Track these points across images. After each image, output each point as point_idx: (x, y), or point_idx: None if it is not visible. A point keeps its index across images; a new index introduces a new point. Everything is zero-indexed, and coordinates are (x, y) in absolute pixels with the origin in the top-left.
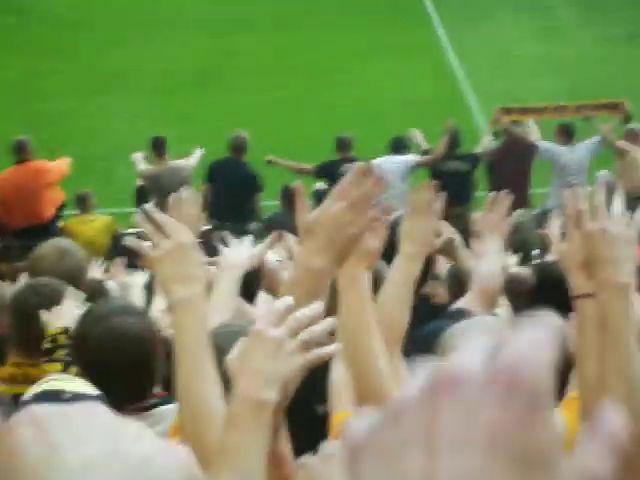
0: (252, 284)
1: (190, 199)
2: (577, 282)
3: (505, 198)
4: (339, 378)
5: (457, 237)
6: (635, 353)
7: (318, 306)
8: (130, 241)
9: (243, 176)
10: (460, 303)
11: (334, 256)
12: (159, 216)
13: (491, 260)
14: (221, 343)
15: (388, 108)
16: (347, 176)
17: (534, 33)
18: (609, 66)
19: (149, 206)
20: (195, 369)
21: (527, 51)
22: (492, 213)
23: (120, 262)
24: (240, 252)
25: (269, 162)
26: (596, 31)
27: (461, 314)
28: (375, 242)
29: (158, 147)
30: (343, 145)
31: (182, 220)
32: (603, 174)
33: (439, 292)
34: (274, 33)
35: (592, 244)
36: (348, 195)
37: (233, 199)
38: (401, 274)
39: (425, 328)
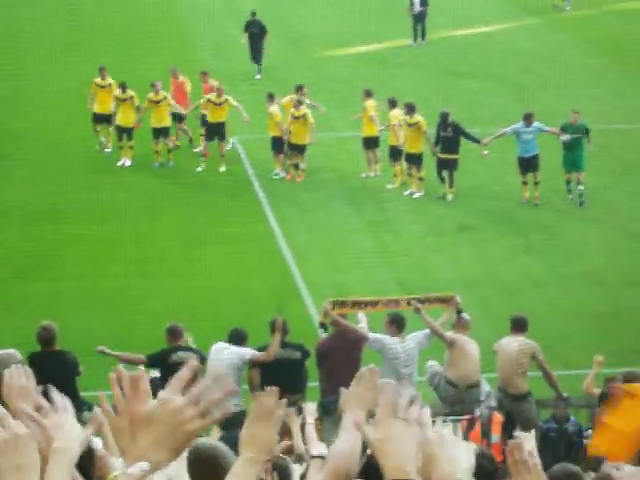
0: (87, 472)
1: (23, 373)
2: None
3: (372, 372)
4: None
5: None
6: None
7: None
8: None
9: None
10: None
11: (173, 449)
12: None
13: (350, 438)
14: None
15: (221, 298)
16: (184, 371)
17: (365, 225)
18: (439, 257)
19: None
20: None
21: (357, 243)
22: (358, 387)
23: None
24: (71, 431)
25: (101, 352)
26: (425, 224)
27: None
28: None
29: None
30: (174, 333)
31: (17, 395)
32: (432, 364)
33: None
34: (101, 225)
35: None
36: (187, 390)
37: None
38: (238, 478)
39: None
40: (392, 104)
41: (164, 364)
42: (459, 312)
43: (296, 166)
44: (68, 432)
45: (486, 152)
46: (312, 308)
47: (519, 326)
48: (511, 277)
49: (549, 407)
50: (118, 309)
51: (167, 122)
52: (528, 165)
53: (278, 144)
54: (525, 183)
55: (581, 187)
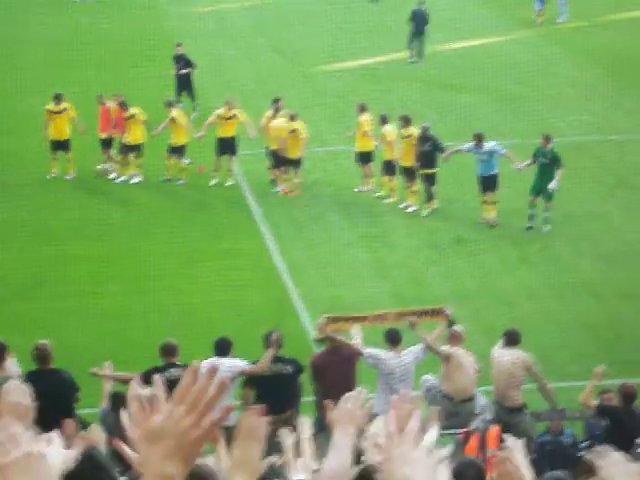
0: None
1: (20, 389)
2: None
3: (361, 391)
4: None
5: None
6: None
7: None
8: None
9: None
10: None
11: (183, 461)
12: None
13: (340, 455)
14: None
15: (217, 314)
16: (183, 380)
17: (360, 239)
18: (434, 270)
19: None
20: None
21: (353, 257)
22: (347, 404)
23: None
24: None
25: (93, 374)
26: (420, 237)
27: None
28: None
29: None
30: (169, 350)
31: (12, 411)
32: (427, 378)
33: None
34: (98, 242)
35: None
36: (186, 398)
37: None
38: None
39: None
40: (384, 120)
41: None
42: (451, 324)
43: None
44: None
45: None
46: (308, 323)
47: (513, 339)
48: (506, 288)
49: (545, 419)
50: (116, 326)
51: (142, 139)
52: (486, 184)
53: (278, 157)
54: (485, 202)
55: (547, 213)
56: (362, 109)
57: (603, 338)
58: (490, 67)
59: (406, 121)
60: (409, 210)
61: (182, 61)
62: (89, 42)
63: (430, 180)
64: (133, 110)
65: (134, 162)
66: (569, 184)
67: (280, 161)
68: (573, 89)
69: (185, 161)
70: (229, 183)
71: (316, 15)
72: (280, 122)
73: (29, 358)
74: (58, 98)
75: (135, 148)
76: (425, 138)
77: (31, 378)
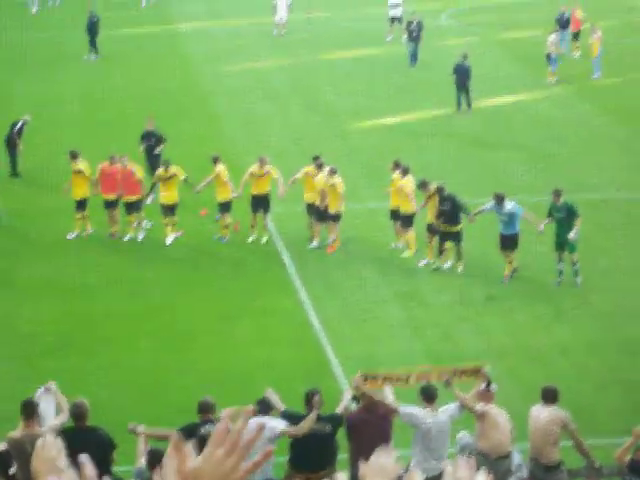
0: None
1: (54, 444)
2: None
3: (390, 448)
4: None
5: None
6: None
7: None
8: None
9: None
10: None
11: None
12: None
13: None
14: None
15: (252, 370)
16: (219, 425)
17: (394, 296)
18: (467, 327)
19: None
20: None
21: (387, 314)
22: (379, 458)
23: None
24: None
25: (131, 431)
26: (454, 295)
27: None
28: None
29: (28, 412)
30: (206, 407)
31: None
32: (462, 436)
33: None
34: (130, 299)
35: None
36: (224, 443)
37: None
38: None
39: None
40: (405, 171)
41: (195, 436)
42: (489, 383)
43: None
44: None
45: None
46: (342, 379)
47: (550, 397)
48: (540, 345)
49: (581, 477)
50: (150, 384)
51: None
52: (506, 243)
53: (316, 212)
54: (506, 259)
55: (575, 266)
56: (397, 166)
57: (639, 395)
58: (524, 124)
59: (423, 185)
60: (443, 267)
61: (153, 138)
62: (122, 99)
63: (456, 238)
64: (174, 169)
65: (171, 221)
66: (603, 240)
67: (319, 216)
68: (607, 145)
69: (216, 217)
70: (264, 239)
71: (354, 75)
72: (320, 177)
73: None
74: (74, 156)
75: (174, 207)
76: (443, 198)
77: (69, 436)
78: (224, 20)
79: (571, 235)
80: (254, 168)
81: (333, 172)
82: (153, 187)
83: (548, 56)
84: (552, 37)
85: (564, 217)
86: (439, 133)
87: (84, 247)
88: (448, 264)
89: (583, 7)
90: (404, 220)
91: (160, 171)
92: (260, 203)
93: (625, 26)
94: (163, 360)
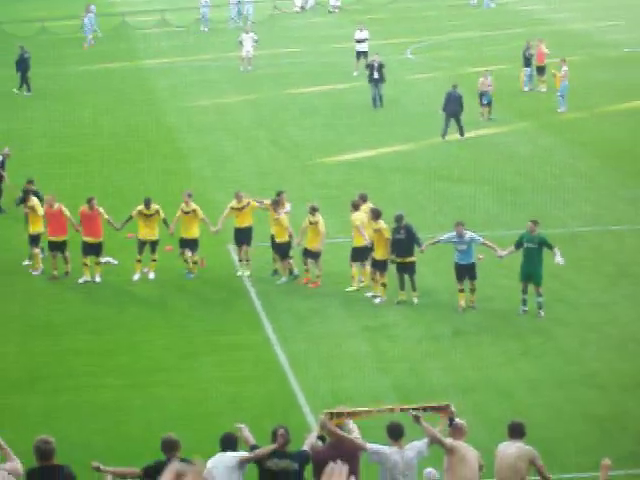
0: None
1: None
2: None
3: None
4: None
5: None
6: None
7: None
8: None
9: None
10: None
11: None
12: None
13: None
14: None
15: (218, 407)
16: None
17: (361, 330)
18: (434, 362)
19: None
20: None
21: (354, 349)
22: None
23: None
24: None
25: (96, 469)
26: (422, 329)
27: None
28: None
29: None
30: (169, 445)
31: None
32: (429, 471)
33: None
34: (97, 336)
35: None
36: None
37: None
38: None
39: None
40: (355, 207)
41: (159, 475)
42: (451, 420)
43: (291, 271)
44: None
45: (481, 256)
46: (310, 416)
47: (517, 432)
48: (507, 381)
49: None
50: (114, 421)
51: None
52: (464, 272)
53: (285, 250)
54: (462, 290)
55: (540, 299)
56: (363, 200)
57: (607, 430)
58: (489, 158)
59: (376, 214)
60: (377, 301)
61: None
62: (90, 135)
63: (410, 269)
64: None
65: (151, 257)
66: (571, 274)
67: (285, 253)
68: (572, 179)
69: (188, 253)
70: (247, 273)
71: (319, 110)
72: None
73: (28, 454)
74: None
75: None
76: (400, 227)
77: (33, 475)
78: (190, 56)
79: (558, 261)
80: (233, 203)
81: (314, 210)
82: (128, 221)
83: (481, 95)
84: (487, 79)
85: (536, 248)
86: (404, 167)
87: (49, 284)
88: (383, 299)
89: (549, 42)
90: (356, 253)
91: (141, 208)
92: (243, 236)
93: (593, 61)
94: (127, 396)
